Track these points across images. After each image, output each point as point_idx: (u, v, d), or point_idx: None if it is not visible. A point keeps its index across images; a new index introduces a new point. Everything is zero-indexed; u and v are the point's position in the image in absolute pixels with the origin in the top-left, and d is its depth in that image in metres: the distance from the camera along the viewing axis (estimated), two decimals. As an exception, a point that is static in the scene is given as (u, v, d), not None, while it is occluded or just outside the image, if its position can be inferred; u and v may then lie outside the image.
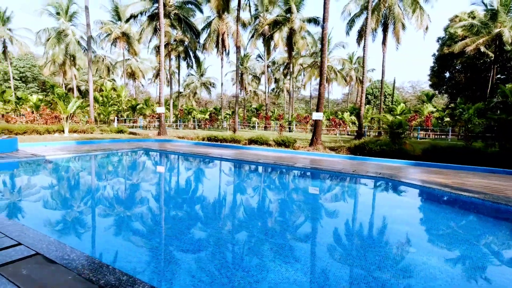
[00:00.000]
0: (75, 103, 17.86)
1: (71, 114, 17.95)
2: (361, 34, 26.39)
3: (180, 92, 72.33)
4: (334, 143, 15.24)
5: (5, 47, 44.04)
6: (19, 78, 58.69)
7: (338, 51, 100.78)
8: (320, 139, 13.01)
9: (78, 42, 37.85)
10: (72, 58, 40.18)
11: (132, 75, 55.73)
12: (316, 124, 12.99)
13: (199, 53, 39.41)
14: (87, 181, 7.41)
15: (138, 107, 31.85)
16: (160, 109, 17.43)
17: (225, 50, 36.07)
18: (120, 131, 20.36)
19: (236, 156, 10.70)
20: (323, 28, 12.50)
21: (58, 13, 35.53)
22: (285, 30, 30.85)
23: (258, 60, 57.24)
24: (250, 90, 65.54)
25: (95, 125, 20.76)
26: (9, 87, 46.84)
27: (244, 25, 34.75)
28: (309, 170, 8.82)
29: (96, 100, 27.52)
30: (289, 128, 33.45)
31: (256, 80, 62.09)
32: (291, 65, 35.64)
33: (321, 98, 12.84)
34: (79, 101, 18.16)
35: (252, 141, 14.96)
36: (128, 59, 52.35)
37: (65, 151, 10.27)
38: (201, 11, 27.61)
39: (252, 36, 36.64)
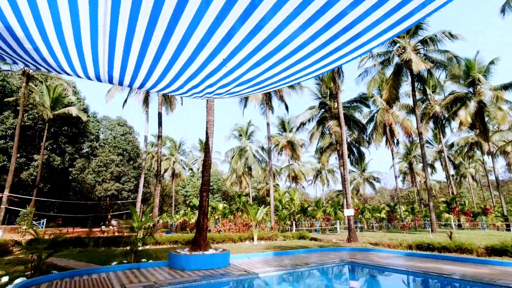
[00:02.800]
0: (262, 211, 18.54)
1: (258, 221, 18.56)
2: None
3: (340, 191, 70.51)
4: None
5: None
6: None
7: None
8: None
9: (254, 155, 44.26)
10: (248, 169, 46.61)
11: (294, 178, 58.83)
12: None
13: (362, 148, 38.13)
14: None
15: (309, 209, 31.47)
16: (349, 212, 15.58)
17: (394, 140, 33.31)
18: (302, 237, 19.31)
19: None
20: None
21: (240, 135, 43.90)
22: (472, 105, 25.84)
23: (427, 146, 50.36)
24: (419, 181, 56.80)
25: (276, 230, 20.73)
26: (203, 199, 57.76)
27: (412, 111, 31.91)
28: None
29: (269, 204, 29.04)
30: (507, 226, 24.37)
31: (430, 168, 53.62)
32: (486, 143, 28.41)
33: None
34: (265, 209, 18.77)
35: (493, 251, 10.39)
36: (291, 164, 56.34)
37: (271, 266, 9.35)
38: (367, 106, 27.23)
39: (421, 121, 32.90)
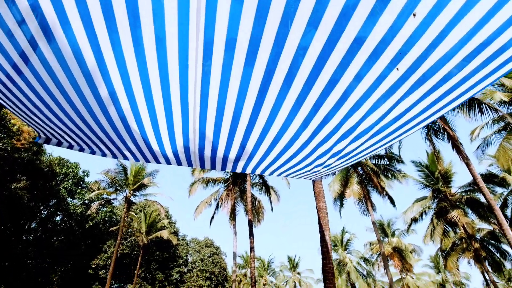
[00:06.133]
0: None
1: None
2: None
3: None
4: None
5: (295, 288, 48.98)
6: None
7: None
8: None
9: (356, 269, 36.90)
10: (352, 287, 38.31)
11: (411, 296, 46.38)
12: None
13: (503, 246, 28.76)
14: None
15: None
16: None
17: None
18: None
19: None
20: None
21: (335, 245, 38.18)
22: None
23: None
24: None
25: None
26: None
27: None
28: None
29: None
30: None
31: None
32: None
33: None
34: None
35: None
36: (403, 277, 45.52)
37: None
38: (501, 185, 21.37)
39: None
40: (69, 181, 29.79)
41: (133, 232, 33.17)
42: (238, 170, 4.03)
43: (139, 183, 24.38)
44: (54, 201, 28.11)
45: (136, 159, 3.67)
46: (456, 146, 14.32)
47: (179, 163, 3.71)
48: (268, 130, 2.91)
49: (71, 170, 29.47)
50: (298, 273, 49.07)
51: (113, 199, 25.96)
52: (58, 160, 29.02)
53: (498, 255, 28.85)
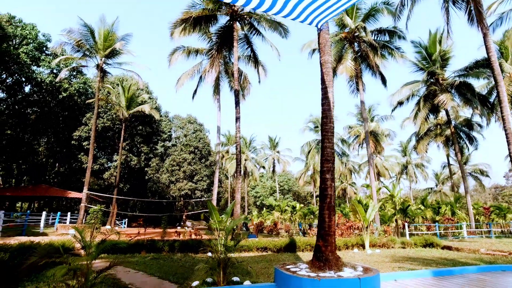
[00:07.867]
0: (374, 208, 14.01)
1: (370, 223, 14.02)
2: None
3: (432, 188, 60.39)
4: None
5: (274, 166, 53.10)
6: (280, 191, 68.86)
7: None
8: None
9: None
10: (327, 165, 41.75)
11: (377, 175, 51.83)
12: None
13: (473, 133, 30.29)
14: None
15: (410, 208, 25.44)
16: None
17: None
18: (429, 245, 14.27)
19: None
20: None
21: (316, 127, 39.52)
22: None
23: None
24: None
25: (391, 235, 15.80)
26: (275, 199, 54.48)
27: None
28: None
29: (361, 204, 24.12)
30: None
31: None
32: None
33: None
34: (377, 205, 14.12)
35: None
36: (373, 158, 49.59)
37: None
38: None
39: None
40: (29, 45, 26.12)
41: (113, 105, 31.99)
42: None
43: (111, 48, 21.57)
44: (15, 67, 25.17)
45: None
46: (478, 12, 12.29)
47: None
48: None
49: (27, 32, 25.41)
50: (278, 152, 52.39)
51: (83, 66, 23.43)
52: (8, 17, 24.46)
53: (466, 141, 30.57)
